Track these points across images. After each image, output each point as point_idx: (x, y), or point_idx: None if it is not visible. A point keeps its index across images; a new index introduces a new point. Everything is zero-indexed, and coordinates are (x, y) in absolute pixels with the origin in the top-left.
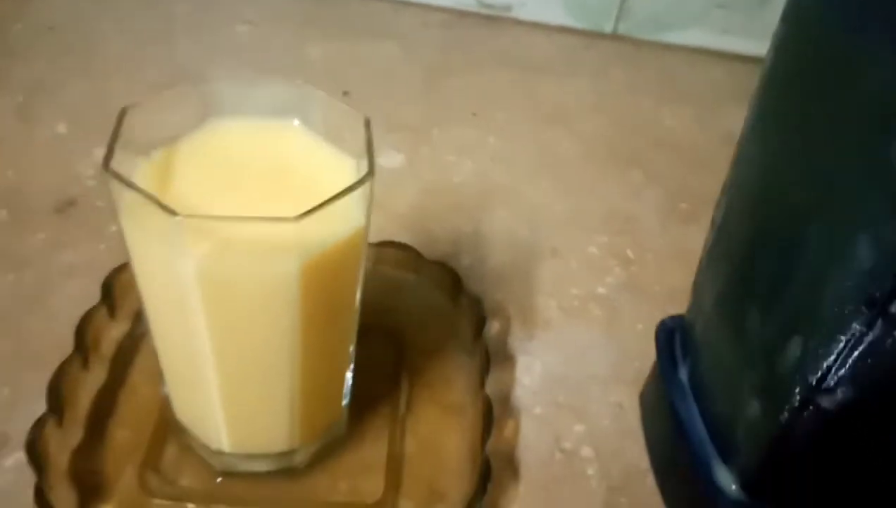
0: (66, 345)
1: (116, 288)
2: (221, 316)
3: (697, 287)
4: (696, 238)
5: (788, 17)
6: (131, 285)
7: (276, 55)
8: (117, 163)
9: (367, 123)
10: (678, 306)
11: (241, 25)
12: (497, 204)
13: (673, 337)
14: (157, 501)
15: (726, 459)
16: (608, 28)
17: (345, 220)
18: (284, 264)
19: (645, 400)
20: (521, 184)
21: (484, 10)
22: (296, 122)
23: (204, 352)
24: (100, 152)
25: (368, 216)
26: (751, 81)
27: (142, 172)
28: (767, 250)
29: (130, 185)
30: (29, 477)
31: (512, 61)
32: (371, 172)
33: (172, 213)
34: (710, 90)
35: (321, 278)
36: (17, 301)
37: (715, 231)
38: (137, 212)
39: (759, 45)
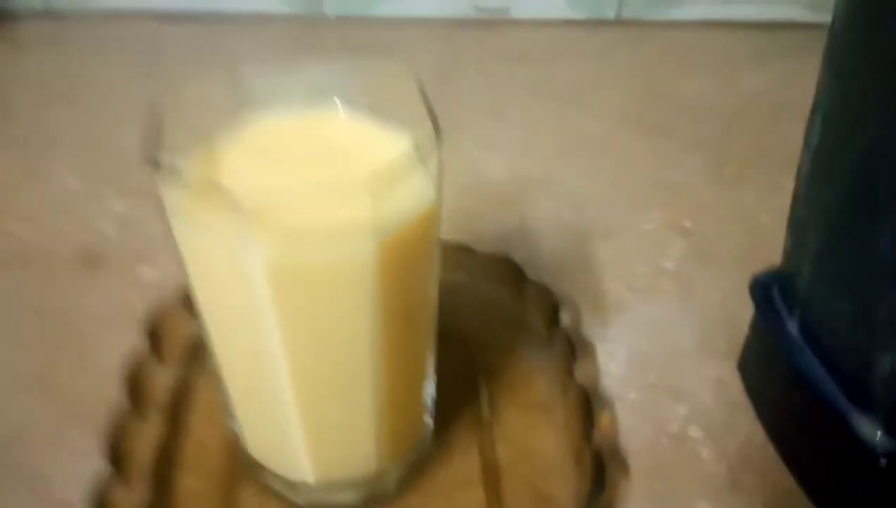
0: (115, 398)
1: (163, 332)
2: (294, 315)
3: (797, 226)
4: (749, 197)
5: None
6: (177, 329)
7: None
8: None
9: (418, 80)
10: (751, 266)
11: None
12: (538, 194)
13: (770, 292)
14: None
15: (865, 407)
16: (611, 14)
17: (418, 195)
18: (360, 247)
19: (747, 368)
20: (557, 170)
21: (482, 15)
22: (336, 101)
23: (276, 363)
24: (116, 203)
25: (440, 191)
26: (764, 44)
27: (185, 173)
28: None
29: (186, 181)
30: None
31: (518, 57)
32: (437, 130)
33: (237, 202)
34: (724, 57)
35: (399, 259)
36: (52, 357)
37: (811, 153)
38: (192, 212)
39: (766, 10)
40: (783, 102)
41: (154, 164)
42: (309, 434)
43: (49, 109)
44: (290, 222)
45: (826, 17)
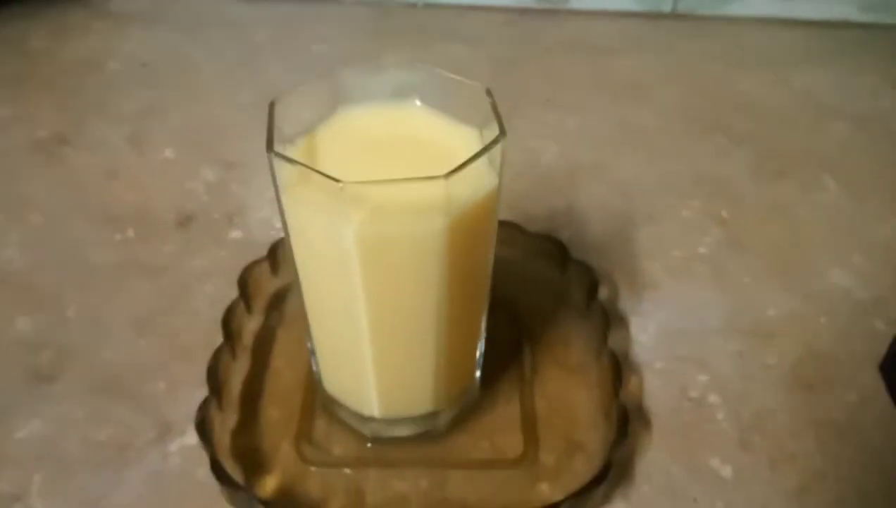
0: (211, 339)
1: (250, 285)
2: (377, 276)
3: None
4: (790, 194)
5: None
6: (261, 284)
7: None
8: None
9: (489, 92)
10: (782, 255)
11: (318, 45)
12: (586, 180)
13: None
14: (314, 469)
15: None
16: (667, 7)
17: (482, 180)
18: (433, 222)
19: (892, 370)
20: (606, 159)
21: (543, 5)
22: (417, 101)
23: (359, 315)
24: (207, 171)
25: (501, 177)
26: (818, 43)
27: (291, 156)
28: None
29: (296, 162)
30: (192, 460)
31: (577, 47)
32: (502, 133)
33: (336, 181)
34: (780, 54)
35: (464, 234)
36: (159, 304)
37: None
38: (298, 188)
39: (821, 8)
40: (831, 103)
41: (269, 148)
42: (379, 376)
43: (146, 85)
44: (378, 201)
45: (878, 17)
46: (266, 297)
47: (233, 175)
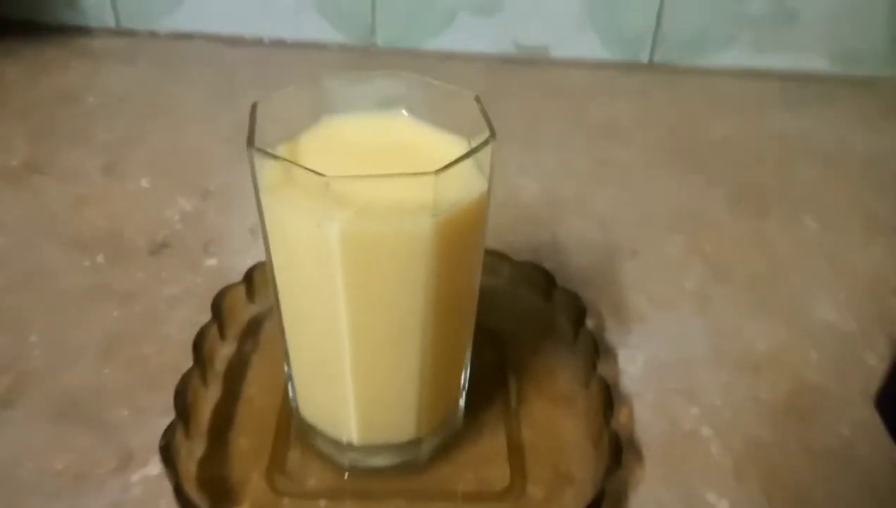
0: (180, 366)
1: (224, 310)
2: (360, 280)
3: None
4: (770, 230)
5: None
6: (236, 310)
7: None
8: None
9: (478, 98)
10: (766, 287)
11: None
12: (568, 214)
13: None
14: (287, 500)
15: None
16: (644, 57)
17: (472, 183)
18: (421, 222)
19: (887, 405)
20: (586, 194)
21: (523, 54)
22: (403, 111)
23: (340, 325)
24: (183, 201)
25: (490, 181)
26: (794, 92)
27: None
28: None
29: (280, 158)
30: (154, 492)
31: (555, 93)
32: (493, 135)
33: (321, 176)
34: (753, 101)
35: (451, 238)
36: (127, 330)
37: None
38: (280, 188)
39: (795, 60)
40: (802, 146)
41: (249, 143)
42: (358, 394)
43: (124, 117)
44: (364, 200)
45: (848, 69)
46: (241, 324)
47: (210, 204)
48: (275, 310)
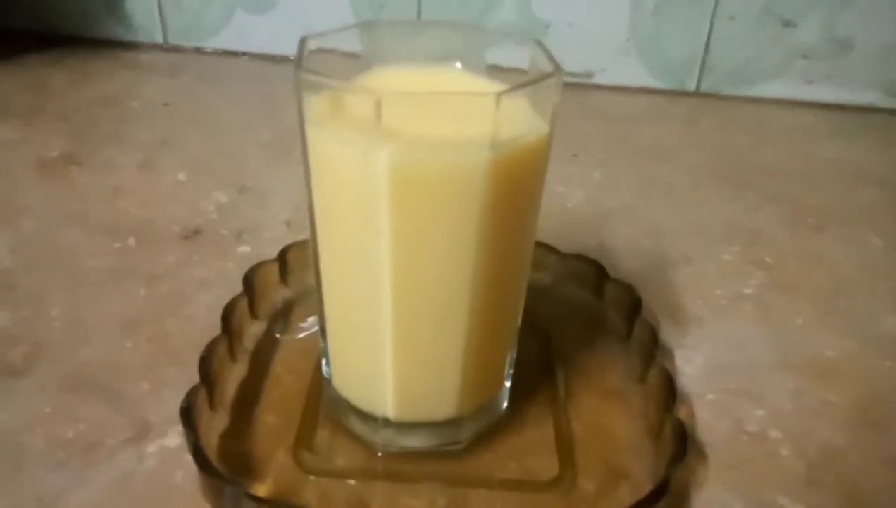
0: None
1: (256, 286)
2: (408, 222)
3: None
4: (831, 246)
5: None
6: (269, 286)
7: None
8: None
9: (540, 43)
10: (833, 303)
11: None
12: (615, 222)
13: None
14: (313, 478)
15: None
16: (691, 86)
17: (532, 122)
18: (478, 155)
19: None
20: (635, 206)
21: (567, 78)
22: (458, 64)
23: (383, 277)
24: (219, 194)
25: (553, 125)
26: (843, 124)
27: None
28: None
29: (330, 78)
30: (171, 463)
31: (601, 116)
32: (558, 69)
33: (372, 92)
34: (803, 130)
35: (509, 179)
36: (153, 309)
37: None
38: (327, 118)
39: (846, 93)
40: (858, 170)
41: (297, 68)
42: (398, 361)
43: (165, 121)
44: (415, 129)
45: None
46: (273, 304)
47: (246, 197)
48: (312, 266)
